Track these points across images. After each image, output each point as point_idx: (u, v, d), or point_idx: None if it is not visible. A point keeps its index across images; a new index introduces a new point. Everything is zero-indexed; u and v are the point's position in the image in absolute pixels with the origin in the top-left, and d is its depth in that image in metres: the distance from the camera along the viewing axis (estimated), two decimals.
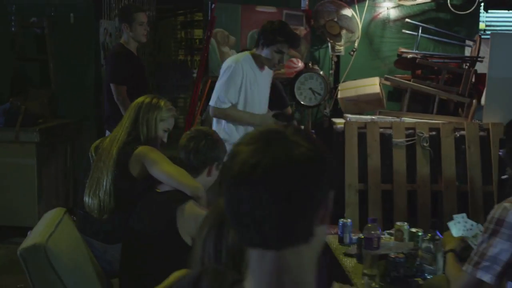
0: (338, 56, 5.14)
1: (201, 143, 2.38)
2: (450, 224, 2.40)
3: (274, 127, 1.02)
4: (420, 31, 4.80)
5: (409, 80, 4.80)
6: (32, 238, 2.10)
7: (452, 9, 4.84)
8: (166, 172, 2.37)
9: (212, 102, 3.61)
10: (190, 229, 2.17)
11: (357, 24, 4.87)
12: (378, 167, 4.39)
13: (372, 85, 4.86)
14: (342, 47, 5.05)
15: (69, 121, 5.19)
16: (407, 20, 4.92)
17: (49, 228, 2.17)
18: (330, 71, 5.22)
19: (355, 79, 5.04)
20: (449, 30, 5.01)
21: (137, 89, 3.90)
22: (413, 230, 2.81)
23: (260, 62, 3.65)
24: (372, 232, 2.38)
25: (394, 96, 5.17)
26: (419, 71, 4.95)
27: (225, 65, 3.70)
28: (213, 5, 4.79)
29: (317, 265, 1.01)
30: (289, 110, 4.34)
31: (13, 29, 5.38)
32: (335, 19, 4.84)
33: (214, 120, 3.76)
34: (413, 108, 4.92)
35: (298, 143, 0.96)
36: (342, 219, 2.87)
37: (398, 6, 5.07)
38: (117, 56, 4.19)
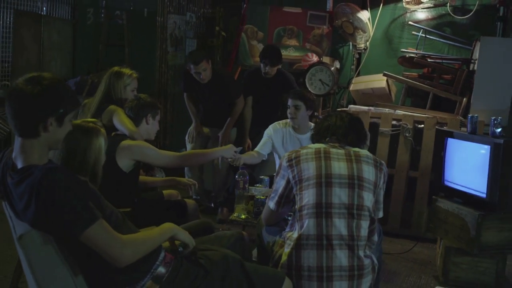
0: (359, 53, 5.76)
1: (134, 103, 3.31)
2: None
3: None
4: (421, 32, 5.25)
5: (415, 78, 5.27)
6: None
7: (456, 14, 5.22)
8: (119, 120, 3.35)
9: None
10: (126, 156, 3.12)
11: (368, 25, 5.44)
12: None
13: (380, 81, 5.43)
14: (363, 45, 5.66)
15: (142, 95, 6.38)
16: (409, 22, 5.38)
17: None
18: (352, 66, 5.85)
19: (371, 75, 5.62)
20: (464, 33, 5.38)
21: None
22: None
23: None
24: (241, 176, 3.16)
25: (409, 93, 5.64)
26: (425, 70, 5.38)
27: None
28: (244, 5, 5.67)
29: None
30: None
31: (101, 19, 6.74)
32: (350, 20, 5.47)
33: None
34: (417, 103, 5.39)
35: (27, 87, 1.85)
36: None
37: (416, 10, 5.53)
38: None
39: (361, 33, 5.49)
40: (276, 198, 2.51)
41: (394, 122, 4.97)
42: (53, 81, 1.93)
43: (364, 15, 5.46)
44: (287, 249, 2.35)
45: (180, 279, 2.07)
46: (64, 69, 6.83)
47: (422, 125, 4.86)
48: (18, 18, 6.05)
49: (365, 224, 2.34)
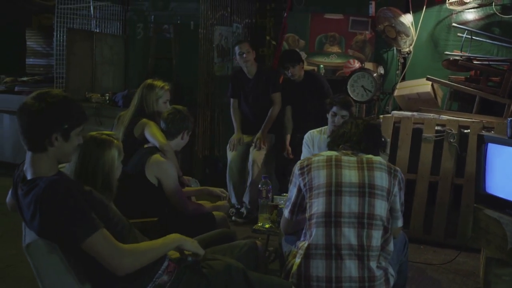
0: (404, 58, 5.63)
1: (176, 117, 3.40)
2: None
3: None
4: (465, 34, 5.06)
5: (461, 82, 5.08)
6: None
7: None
8: (151, 133, 3.45)
9: None
10: (152, 171, 3.22)
11: (411, 29, 5.31)
12: (406, 158, 4.84)
13: (424, 85, 5.27)
14: (406, 49, 5.53)
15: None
16: (453, 24, 5.19)
17: None
18: (397, 71, 5.73)
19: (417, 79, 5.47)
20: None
21: None
22: None
23: None
24: (264, 186, 3.14)
25: (456, 97, 5.44)
26: (472, 72, 5.17)
27: None
28: (285, 14, 5.68)
29: None
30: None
31: (150, 33, 6.95)
32: (392, 24, 5.35)
33: None
34: (464, 107, 5.19)
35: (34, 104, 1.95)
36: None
37: (463, 11, 5.34)
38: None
39: (404, 37, 5.36)
40: (290, 206, 2.50)
41: (438, 128, 4.82)
42: (58, 98, 2.02)
43: (407, 18, 5.32)
44: (298, 259, 2.33)
45: None
46: (116, 83, 7.08)
47: (468, 130, 4.69)
48: (71, 36, 6.34)
49: (376, 234, 2.27)
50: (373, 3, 5.60)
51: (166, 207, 3.38)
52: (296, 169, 2.49)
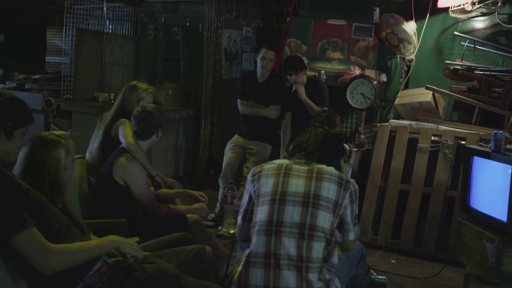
0: (408, 66, 5.53)
1: (147, 118, 3.41)
2: None
3: None
4: (467, 42, 4.93)
5: (461, 92, 4.97)
6: None
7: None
8: (122, 132, 3.45)
9: None
10: (118, 173, 3.25)
11: (413, 36, 5.20)
12: (400, 168, 4.75)
13: (425, 94, 5.17)
14: (409, 57, 5.43)
15: (181, 109, 6.55)
16: (455, 33, 5.07)
17: None
18: (400, 79, 5.63)
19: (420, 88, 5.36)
20: None
21: None
22: None
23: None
24: (229, 191, 3.12)
25: (458, 107, 5.32)
26: (474, 83, 5.05)
27: None
28: (288, 19, 5.65)
29: None
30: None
31: (160, 35, 7.01)
32: (395, 31, 5.26)
33: None
34: (465, 118, 5.07)
35: None
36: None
37: (469, 20, 5.21)
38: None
39: (407, 44, 5.26)
40: (242, 213, 2.48)
41: (436, 138, 4.72)
42: (4, 97, 2.06)
43: (410, 26, 5.22)
44: (240, 267, 2.30)
45: None
46: (125, 83, 7.00)
47: (464, 142, 4.56)
48: (80, 36, 6.45)
49: (317, 246, 2.23)
50: (378, 9, 5.51)
51: (138, 209, 3.39)
52: (249, 176, 2.47)
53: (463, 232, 3.62)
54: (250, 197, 2.43)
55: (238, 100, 5.29)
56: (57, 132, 2.46)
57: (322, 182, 2.31)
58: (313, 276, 2.20)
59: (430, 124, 4.87)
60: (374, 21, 5.56)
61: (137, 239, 2.81)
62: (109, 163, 3.30)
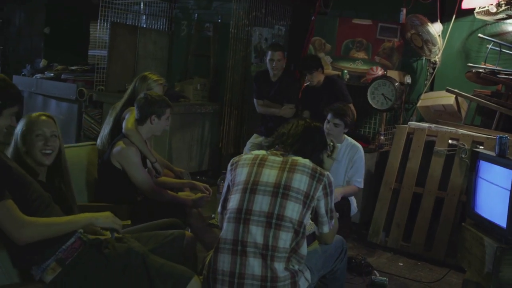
0: (434, 68, 5.44)
1: (142, 101, 3.48)
2: None
3: None
4: (491, 45, 4.81)
5: (483, 96, 4.85)
6: None
7: None
8: (126, 118, 3.56)
9: None
10: (115, 157, 3.34)
11: (437, 38, 5.11)
12: (416, 170, 4.69)
13: (448, 97, 5.07)
14: (434, 59, 5.34)
15: (207, 104, 6.66)
16: (479, 35, 4.94)
17: None
18: (425, 81, 5.54)
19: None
20: None
21: None
22: None
23: None
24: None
25: (481, 111, 5.18)
26: (499, 87, 4.91)
27: None
28: (312, 17, 5.66)
29: None
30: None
31: (192, 31, 7.15)
32: (419, 33, 5.18)
33: None
34: (487, 123, 4.94)
35: None
36: None
37: (497, 23, 5.07)
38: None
39: (431, 46, 5.17)
40: (222, 201, 2.53)
41: (453, 142, 4.63)
42: None
43: (435, 27, 5.13)
44: (212, 252, 2.36)
45: (82, 265, 2.20)
46: None
47: (482, 147, 4.45)
48: (114, 29, 6.66)
49: (284, 235, 2.25)
50: (405, 9, 5.43)
51: (139, 194, 3.48)
52: (228, 165, 2.53)
53: (466, 237, 3.55)
54: (228, 185, 2.49)
55: (254, 100, 5.34)
56: (44, 113, 2.57)
57: (294, 173, 2.34)
58: (278, 265, 2.23)
59: (449, 128, 4.78)
60: (400, 22, 5.49)
61: (128, 222, 2.93)
62: (109, 148, 3.41)
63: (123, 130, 3.43)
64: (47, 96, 7.06)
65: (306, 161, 2.41)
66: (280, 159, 2.42)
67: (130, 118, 3.50)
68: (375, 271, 4.05)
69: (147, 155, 3.44)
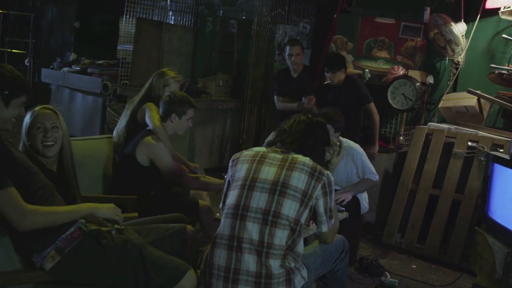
0: (457, 68, 5.35)
1: (166, 99, 3.54)
2: None
3: None
4: None
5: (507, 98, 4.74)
6: None
7: None
8: (149, 115, 3.62)
9: None
10: (143, 152, 3.40)
11: (460, 38, 5.01)
12: (433, 172, 4.62)
13: (470, 98, 4.98)
14: (457, 59, 5.25)
15: (229, 100, 6.69)
16: (503, 36, 4.83)
17: None
18: (448, 82, 5.45)
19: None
20: None
21: None
22: None
23: None
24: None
25: (504, 113, 5.07)
26: None
27: None
28: (335, 16, 5.62)
29: None
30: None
31: (217, 27, 7.19)
32: (442, 32, 5.10)
33: None
34: (510, 126, 4.83)
35: None
36: None
37: None
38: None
39: (454, 46, 5.08)
40: (223, 196, 2.55)
41: (473, 144, 4.54)
42: (5, 68, 2.26)
43: (458, 27, 5.03)
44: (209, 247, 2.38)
45: (80, 254, 2.25)
46: (182, 72, 7.35)
47: (502, 150, 4.36)
48: (140, 25, 6.75)
49: (280, 233, 2.25)
50: (429, 9, 5.35)
51: (153, 188, 3.54)
52: (230, 161, 2.55)
53: (478, 241, 3.50)
54: (229, 181, 2.51)
55: (275, 97, 5.35)
56: (48, 106, 2.63)
57: (293, 171, 2.34)
58: (273, 262, 2.24)
59: (469, 130, 4.69)
60: (424, 21, 5.41)
61: (135, 214, 2.97)
62: (134, 143, 3.46)
63: (151, 127, 3.48)
64: (73, 89, 7.21)
65: (306, 159, 2.40)
66: (280, 156, 2.43)
67: (154, 115, 3.56)
68: (386, 272, 4.01)
69: (171, 153, 3.51)
